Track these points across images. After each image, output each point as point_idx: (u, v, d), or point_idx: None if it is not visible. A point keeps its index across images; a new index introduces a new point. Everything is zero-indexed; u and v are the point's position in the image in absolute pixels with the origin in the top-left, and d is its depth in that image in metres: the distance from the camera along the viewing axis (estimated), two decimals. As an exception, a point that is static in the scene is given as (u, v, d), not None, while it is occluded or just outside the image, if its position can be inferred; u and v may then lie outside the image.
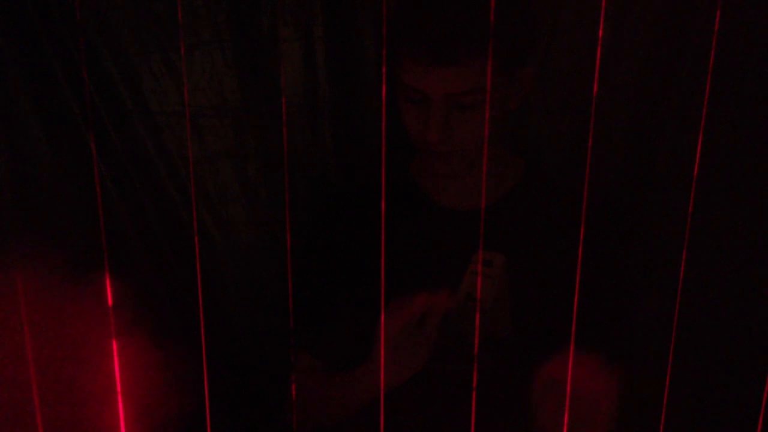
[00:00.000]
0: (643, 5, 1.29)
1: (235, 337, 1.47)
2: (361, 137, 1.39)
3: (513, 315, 1.04)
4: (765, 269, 1.36)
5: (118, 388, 0.69)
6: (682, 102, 1.32)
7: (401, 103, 1.05)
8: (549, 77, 1.32)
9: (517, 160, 1.19)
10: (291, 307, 0.97)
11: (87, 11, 1.28)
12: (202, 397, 0.69)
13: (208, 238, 1.41)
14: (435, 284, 0.99)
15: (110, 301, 0.65)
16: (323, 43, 1.35)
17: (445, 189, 1.15)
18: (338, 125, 1.38)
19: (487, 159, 1.08)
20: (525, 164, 1.19)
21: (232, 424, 1.45)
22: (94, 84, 1.31)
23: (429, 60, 0.97)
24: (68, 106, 1.30)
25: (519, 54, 1.03)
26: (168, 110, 1.35)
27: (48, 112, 1.30)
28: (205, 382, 0.69)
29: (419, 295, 0.97)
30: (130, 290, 0.77)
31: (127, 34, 1.32)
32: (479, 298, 0.96)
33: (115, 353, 0.68)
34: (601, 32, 0.78)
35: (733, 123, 1.29)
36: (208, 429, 0.69)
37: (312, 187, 1.39)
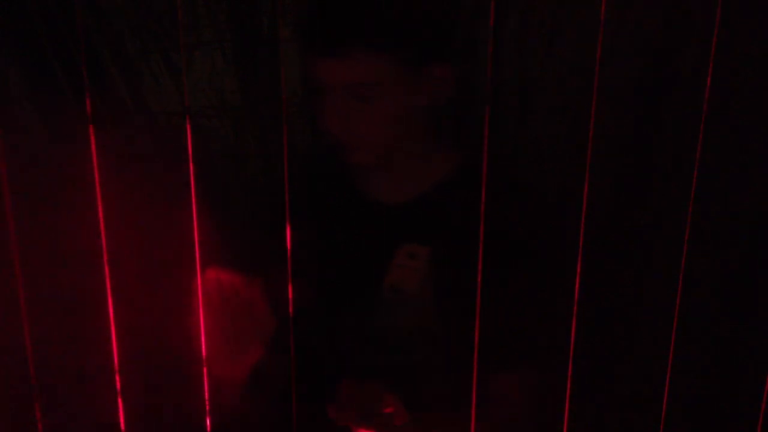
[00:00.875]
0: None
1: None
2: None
3: (438, 307, 1.05)
4: (765, 269, 1.36)
5: (118, 388, 0.69)
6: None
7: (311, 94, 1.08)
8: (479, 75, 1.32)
9: (449, 154, 1.18)
10: (292, 310, 0.97)
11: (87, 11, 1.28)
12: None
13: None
14: (362, 276, 1.00)
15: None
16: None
17: (372, 182, 1.15)
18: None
19: (406, 153, 1.09)
20: (460, 158, 1.18)
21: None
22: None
23: (323, 51, 1.00)
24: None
25: (425, 51, 1.04)
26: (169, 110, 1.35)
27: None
28: (205, 384, 0.69)
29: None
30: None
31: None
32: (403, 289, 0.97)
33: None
34: (601, 38, 0.78)
35: (733, 123, 1.29)
36: (208, 429, 0.69)
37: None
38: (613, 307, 1.43)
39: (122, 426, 0.85)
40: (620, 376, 1.44)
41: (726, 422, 1.43)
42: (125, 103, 1.34)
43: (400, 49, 1.01)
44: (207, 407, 0.90)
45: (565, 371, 0.79)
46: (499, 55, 1.31)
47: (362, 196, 1.16)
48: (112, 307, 0.78)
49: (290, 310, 0.85)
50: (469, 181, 1.13)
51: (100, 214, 0.72)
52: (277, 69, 1.33)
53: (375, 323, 1.03)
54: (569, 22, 1.32)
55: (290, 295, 0.83)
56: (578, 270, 0.69)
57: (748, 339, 1.40)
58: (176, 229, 0.90)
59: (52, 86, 1.30)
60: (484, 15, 1.27)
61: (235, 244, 1.45)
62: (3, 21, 1.26)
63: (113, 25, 1.31)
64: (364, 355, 1.10)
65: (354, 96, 1.02)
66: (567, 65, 1.33)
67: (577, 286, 0.68)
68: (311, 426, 0.94)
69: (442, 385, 1.08)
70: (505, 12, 1.31)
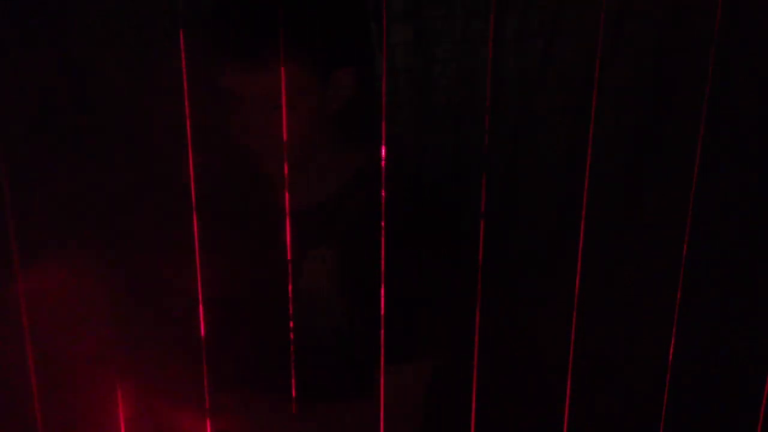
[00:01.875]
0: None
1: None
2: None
3: (348, 308, 1.05)
4: (765, 269, 1.36)
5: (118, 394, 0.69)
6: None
7: (266, 107, 1.06)
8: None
9: (355, 156, 1.18)
10: (291, 311, 0.97)
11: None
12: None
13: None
14: (272, 282, 1.01)
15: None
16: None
17: (281, 188, 1.15)
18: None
19: (317, 158, 1.09)
20: (365, 160, 1.18)
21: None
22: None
23: (238, 64, 0.99)
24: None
25: (330, 57, 1.04)
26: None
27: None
28: (205, 379, 0.69)
29: None
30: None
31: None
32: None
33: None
34: (601, 38, 0.78)
35: (732, 122, 1.29)
36: (208, 429, 0.69)
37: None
38: (614, 306, 1.43)
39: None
40: (620, 376, 1.44)
41: (726, 422, 1.44)
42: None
43: (310, 56, 1.01)
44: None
45: (565, 371, 0.79)
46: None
47: (273, 203, 1.15)
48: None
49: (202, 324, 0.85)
50: (376, 182, 1.13)
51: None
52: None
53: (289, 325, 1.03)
54: (569, 22, 1.32)
55: (290, 300, 0.84)
56: (578, 270, 0.69)
57: (748, 339, 1.40)
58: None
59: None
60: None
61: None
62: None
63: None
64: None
65: (270, 105, 1.01)
66: (567, 65, 1.33)
67: (577, 286, 0.68)
68: None
69: (347, 378, 1.10)
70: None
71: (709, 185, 1.17)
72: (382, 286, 0.68)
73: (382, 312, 0.69)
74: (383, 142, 0.74)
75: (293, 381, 0.92)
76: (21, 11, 1.26)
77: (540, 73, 1.34)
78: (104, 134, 1.29)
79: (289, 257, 1.03)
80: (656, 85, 1.34)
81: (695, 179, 0.70)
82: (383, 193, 0.67)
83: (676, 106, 1.33)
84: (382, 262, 0.66)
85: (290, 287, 0.99)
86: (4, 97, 1.29)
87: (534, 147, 1.40)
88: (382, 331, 0.70)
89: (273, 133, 1.04)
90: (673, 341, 0.74)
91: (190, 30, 1.11)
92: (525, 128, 1.39)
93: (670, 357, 0.75)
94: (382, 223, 0.72)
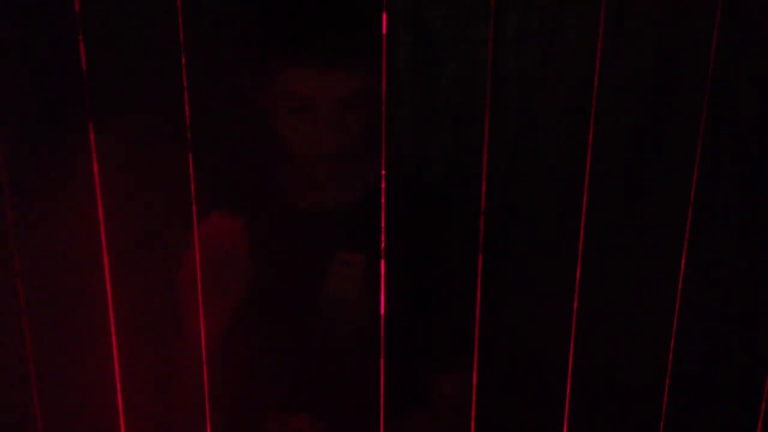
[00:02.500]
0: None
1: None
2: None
3: (375, 312, 1.05)
4: (765, 269, 1.36)
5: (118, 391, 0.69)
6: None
7: (280, 112, 1.05)
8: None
9: (379, 160, 1.18)
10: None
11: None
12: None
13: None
14: (303, 286, 1.00)
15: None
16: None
17: (306, 192, 1.14)
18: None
19: (342, 161, 1.08)
20: (388, 164, 1.18)
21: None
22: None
23: (321, 65, 0.97)
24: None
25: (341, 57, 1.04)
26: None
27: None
28: (205, 383, 0.69)
29: None
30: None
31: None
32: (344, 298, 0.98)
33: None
34: (601, 38, 0.78)
35: (733, 122, 1.29)
36: (208, 429, 0.69)
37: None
38: (614, 306, 1.42)
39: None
40: (620, 376, 1.44)
41: (726, 422, 1.43)
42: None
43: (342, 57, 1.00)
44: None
45: (565, 371, 0.79)
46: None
47: (295, 207, 1.15)
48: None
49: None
50: (398, 187, 1.14)
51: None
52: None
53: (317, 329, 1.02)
54: (569, 22, 1.32)
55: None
56: (578, 270, 0.69)
57: (748, 339, 1.40)
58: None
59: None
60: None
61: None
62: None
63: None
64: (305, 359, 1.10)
65: (345, 108, 1.01)
66: (567, 65, 1.33)
67: (577, 286, 0.68)
68: None
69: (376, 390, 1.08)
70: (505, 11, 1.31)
71: (709, 185, 1.17)
72: (382, 286, 0.68)
73: (382, 312, 0.69)
74: (383, 141, 0.74)
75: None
76: (21, 11, 1.26)
77: (540, 73, 1.34)
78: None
79: (315, 259, 1.03)
80: (656, 85, 1.34)
81: (695, 179, 0.70)
82: (383, 194, 0.67)
83: (676, 106, 1.33)
84: (382, 262, 0.66)
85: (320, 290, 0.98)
86: (4, 97, 1.29)
87: (534, 147, 1.40)
88: (382, 332, 0.70)
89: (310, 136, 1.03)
90: (673, 341, 0.74)
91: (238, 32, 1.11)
92: (525, 128, 1.39)
93: (670, 357, 0.75)
94: (382, 224, 0.72)
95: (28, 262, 0.87)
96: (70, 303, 1.23)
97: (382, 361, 0.87)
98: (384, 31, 0.85)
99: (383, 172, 0.75)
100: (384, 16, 0.77)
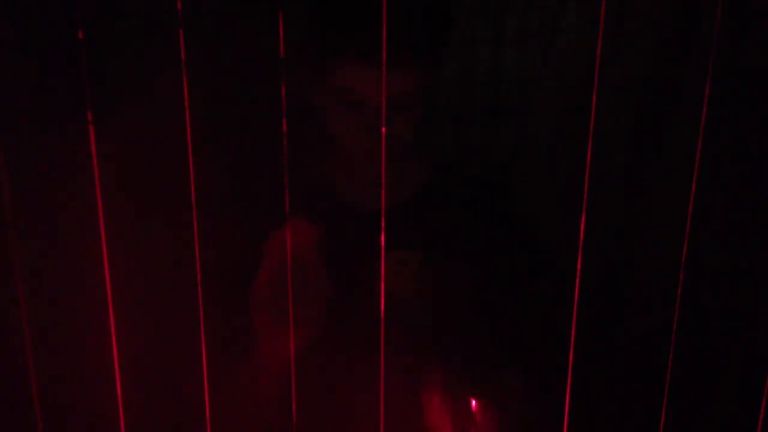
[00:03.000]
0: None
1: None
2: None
3: (433, 310, 1.05)
4: (765, 269, 1.36)
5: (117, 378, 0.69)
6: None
7: (332, 108, 1.05)
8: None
9: (424, 160, 1.19)
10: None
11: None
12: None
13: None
14: (356, 284, 1.00)
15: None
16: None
17: (356, 190, 1.15)
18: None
19: (391, 159, 1.08)
20: (432, 164, 1.19)
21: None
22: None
23: (375, 63, 0.97)
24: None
25: (439, 54, 1.05)
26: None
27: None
28: (205, 382, 0.69)
29: None
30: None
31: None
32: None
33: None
34: (601, 38, 0.78)
35: (733, 122, 1.29)
36: (208, 429, 0.69)
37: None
38: (614, 306, 1.43)
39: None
40: (620, 376, 1.45)
41: (726, 422, 1.44)
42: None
43: (429, 54, 1.01)
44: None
45: (565, 371, 0.79)
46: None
47: (345, 204, 1.15)
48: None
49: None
50: (446, 185, 1.14)
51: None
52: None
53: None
54: (569, 22, 1.32)
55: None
56: (578, 270, 0.69)
57: (748, 339, 1.40)
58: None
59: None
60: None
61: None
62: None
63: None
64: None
65: (394, 106, 1.01)
66: (567, 65, 1.33)
67: (577, 286, 0.68)
68: None
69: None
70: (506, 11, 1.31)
71: (709, 185, 1.17)
72: (382, 285, 0.68)
73: (382, 313, 0.69)
74: (383, 141, 0.74)
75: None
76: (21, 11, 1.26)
77: (540, 73, 1.34)
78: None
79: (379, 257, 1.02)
80: (656, 85, 1.34)
81: (695, 179, 0.70)
82: (383, 193, 0.67)
83: (676, 106, 1.33)
84: (382, 262, 0.66)
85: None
86: (4, 97, 1.30)
87: (534, 147, 1.40)
88: (382, 332, 0.70)
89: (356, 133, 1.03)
90: (673, 341, 0.74)
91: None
92: (525, 128, 1.39)
93: (671, 357, 0.75)
94: (382, 224, 0.72)
95: (27, 262, 0.87)
96: (71, 303, 1.23)
97: (382, 360, 0.87)
98: (384, 31, 0.85)
99: (383, 170, 0.76)
100: (384, 17, 0.78)
